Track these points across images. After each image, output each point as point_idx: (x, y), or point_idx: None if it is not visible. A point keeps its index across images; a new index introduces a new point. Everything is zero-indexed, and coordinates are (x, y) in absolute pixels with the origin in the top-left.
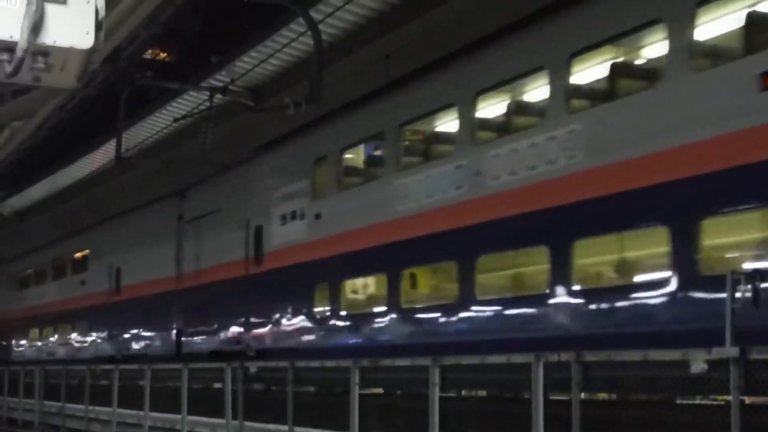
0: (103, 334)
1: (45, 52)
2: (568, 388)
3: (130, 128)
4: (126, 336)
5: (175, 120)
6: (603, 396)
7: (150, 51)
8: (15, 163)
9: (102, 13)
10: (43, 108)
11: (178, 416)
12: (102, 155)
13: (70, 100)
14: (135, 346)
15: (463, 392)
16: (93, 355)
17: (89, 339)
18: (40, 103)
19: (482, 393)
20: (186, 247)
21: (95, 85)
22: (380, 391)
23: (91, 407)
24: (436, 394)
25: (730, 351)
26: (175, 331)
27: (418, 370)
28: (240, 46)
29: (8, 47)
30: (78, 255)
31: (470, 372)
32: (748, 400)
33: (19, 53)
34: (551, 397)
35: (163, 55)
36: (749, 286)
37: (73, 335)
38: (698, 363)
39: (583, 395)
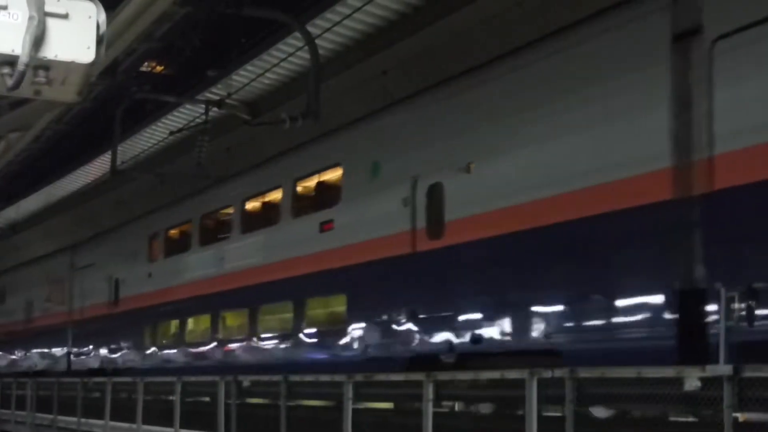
0: None
1: (46, 66)
2: (562, 404)
3: (125, 141)
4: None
5: (171, 133)
6: (596, 412)
7: (147, 64)
8: (11, 174)
9: (103, 27)
10: (40, 120)
11: (171, 429)
12: (97, 168)
13: (66, 113)
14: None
15: (457, 407)
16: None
17: None
18: (37, 115)
19: (476, 409)
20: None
21: (91, 98)
22: (374, 405)
23: (83, 420)
24: (429, 409)
25: (723, 369)
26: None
27: (411, 386)
28: (237, 60)
29: (10, 61)
30: None
31: (464, 388)
32: (741, 417)
33: (20, 67)
34: (544, 414)
35: (159, 68)
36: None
37: None
38: (692, 380)
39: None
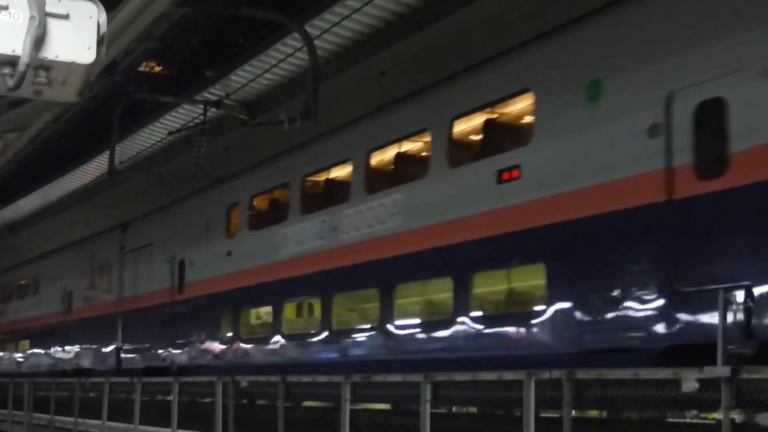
0: None
1: (47, 66)
2: (560, 405)
3: (123, 141)
4: None
5: (170, 133)
6: (594, 414)
7: (145, 64)
8: (8, 175)
9: (104, 28)
10: (38, 120)
11: (168, 430)
12: (95, 167)
13: (64, 113)
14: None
15: (454, 409)
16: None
17: None
18: (36, 115)
19: (473, 410)
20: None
21: (90, 98)
22: (372, 406)
23: (80, 420)
24: (427, 410)
25: (721, 370)
26: None
27: (409, 387)
28: (235, 61)
29: (10, 61)
30: None
31: (462, 389)
32: (738, 419)
33: (21, 67)
34: (542, 415)
35: (158, 68)
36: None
37: None
38: (689, 382)
39: (574, 413)
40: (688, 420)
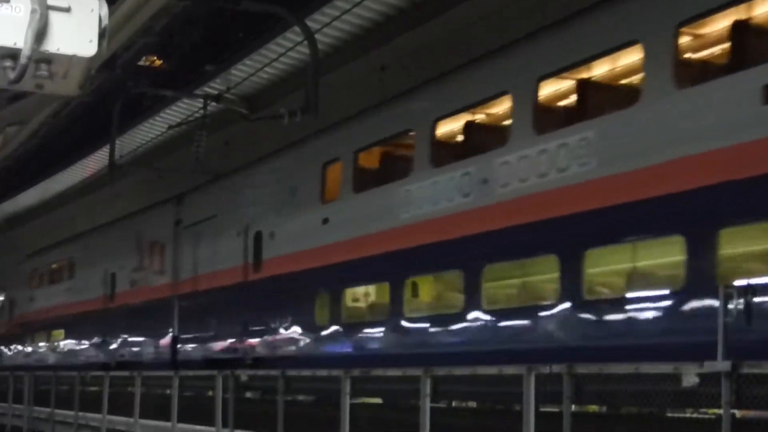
0: None
1: (48, 59)
2: (560, 400)
3: (123, 135)
4: None
5: (170, 127)
6: (594, 408)
7: (145, 58)
8: (8, 169)
9: (105, 21)
10: (38, 114)
11: (168, 424)
12: (95, 162)
13: (64, 107)
14: None
15: (454, 404)
16: None
17: None
18: (36, 109)
19: (473, 404)
20: None
21: (90, 92)
22: (372, 400)
23: (81, 413)
24: (427, 404)
25: (721, 365)
26: None
27: (409, 381)
28: (235, 55)
29: (12, 54)
30: None
31: (462, 383)
32: (738, 414)
33: (22, 60)
34: (542, 409)
35: (158, 62)
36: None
37: None
38: (690, 377)
39: (574, 408)
40: (688, 415)
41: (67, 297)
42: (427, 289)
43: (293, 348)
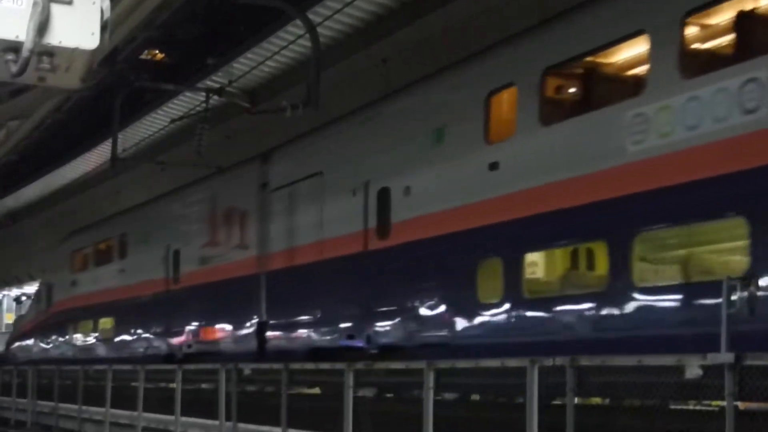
0: None
1: (50, 52)
2: (563, 393)
3: (126, 129)
4: None
5: (172, 121)
6: (597, 401)
7: (147, 52)
8: (10, 163)
9: (107, 14)
10: (40, 108)
11: (172, 417)
12: (98, 156)
13: (66, 101)
14: None
15: (457, 396)
16: None
17: None
18: (38, 103)
19: (476, 397)
20: None
21: (91, 86)
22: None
23: (84, 407)
24: (430, 397)
25: (725, 357)
26: None
27: (413, 374)
28: (237, 48)
29: (14, 47)
30: None
31: (465, 376)
32: (742, 406)
33: (24, 53)
34: (545, 402)
35: (160, 56)
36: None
37: None
38: (693, 369)
39: (577, 400)
40: (691, 407)
41: (118, 280)
42: (672, 247)
43: (444, 333)
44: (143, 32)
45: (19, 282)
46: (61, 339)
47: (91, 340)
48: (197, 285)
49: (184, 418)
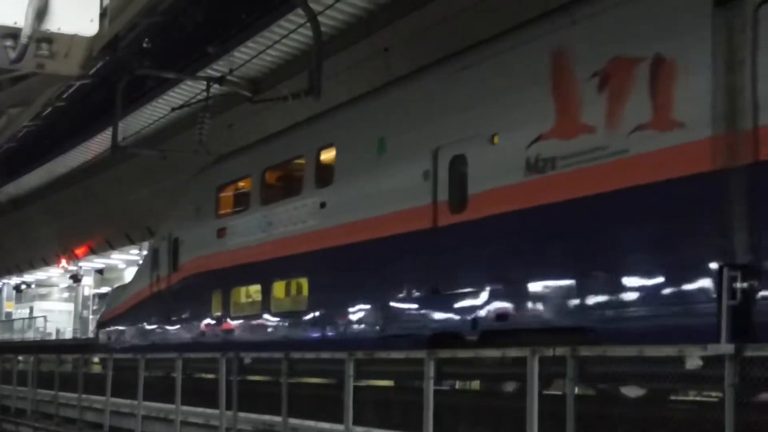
0: None
1: (49, 38)
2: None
3: (127, 117)
4: None
5: (173, 109)
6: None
7: (148, 40)
8: (11, 150)
9: (106, 0)
10: (41, 96)
11: (172, 406)
12: (98, 144)
13: (67, 89)
14: None
15: (458, 385)
16: None
17: None
18: (39, 90)
19: (476, 386)
20: None
21: (92, 74)
22: (375, 383)
23: (84, 395)
24: (430, 386)
25: (725, 348)
26: None
27: (413, 363)
28: (238, 37)
29: (12, 33)
30: None
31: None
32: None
33: (23, 39)
34: (545, 392)
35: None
36: None
37: None
38: (693, 359)
39: (577, 390)
40: (691, 397)
41: (319, 219)
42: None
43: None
44: (145, 19)
45: (19, 270)
46: (201, 315)
47: (261, 314)
48: (514, 212)
49: (184, 407)
